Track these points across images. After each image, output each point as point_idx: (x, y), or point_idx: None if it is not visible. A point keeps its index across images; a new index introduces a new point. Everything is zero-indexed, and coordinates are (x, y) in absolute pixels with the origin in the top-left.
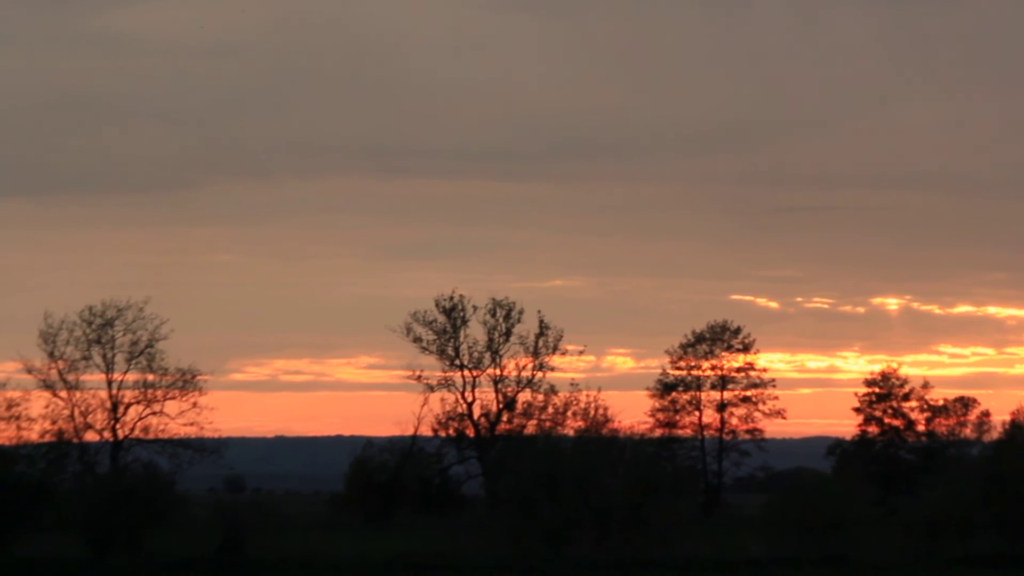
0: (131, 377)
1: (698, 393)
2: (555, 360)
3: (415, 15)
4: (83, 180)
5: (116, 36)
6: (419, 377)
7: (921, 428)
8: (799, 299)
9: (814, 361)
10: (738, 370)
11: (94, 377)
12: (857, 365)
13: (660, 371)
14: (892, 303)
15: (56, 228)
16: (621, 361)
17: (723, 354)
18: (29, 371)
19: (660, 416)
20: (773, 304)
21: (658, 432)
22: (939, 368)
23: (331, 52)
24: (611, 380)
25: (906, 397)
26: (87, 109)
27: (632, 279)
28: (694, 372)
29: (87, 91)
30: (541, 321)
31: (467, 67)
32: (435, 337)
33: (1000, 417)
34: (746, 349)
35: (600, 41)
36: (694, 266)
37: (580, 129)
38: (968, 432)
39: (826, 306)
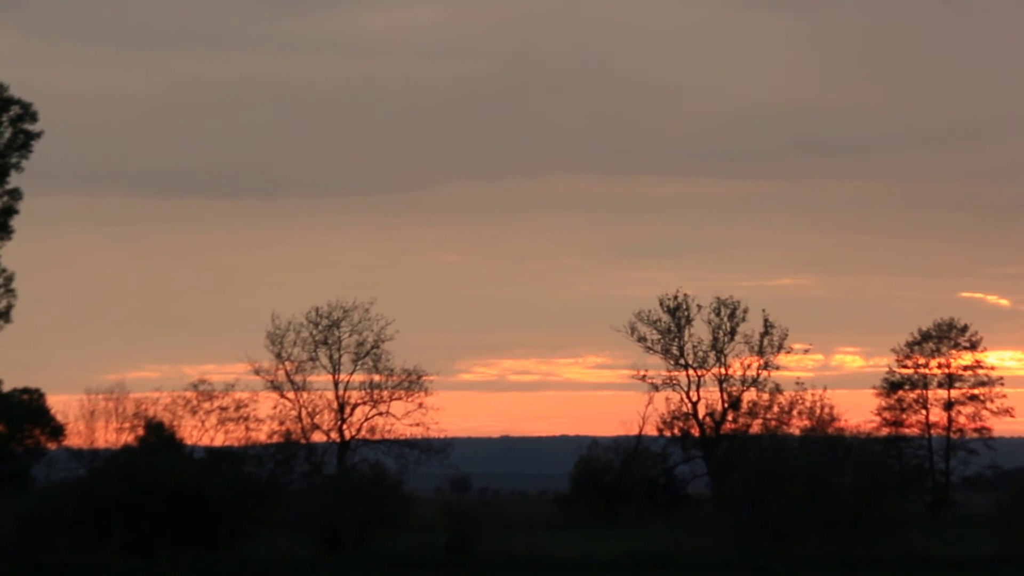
0: (357, 378)
1: (925, 391)
2: (782, 359)
3: (648, 12)
4: (310, 181)
5: (342, 38)
6: (644, 377)
7: None
8: None
9: None
10: (965, 368)
11: (321, 378)
12: None
13: (887, 369)
14: None
15: (283, 229)
16: (850, 359)
17: (950, 352)
18: (257, 372)
19: (887, 415)
20: (1004, 301)
21: (885, 431)
22: None
23: (559, 51)
24: (840, 379)
25: None
26: (314, 110)
27: (862, 276)
28: (921, 370)
29: (314, 93)
30: (766, 320)
31: (698, 64)
32: (659, 336)
33: None
34: (973, 347)
35: (832, 38)
36: (925, 263)
37: (810, 126)
38: None
39: None
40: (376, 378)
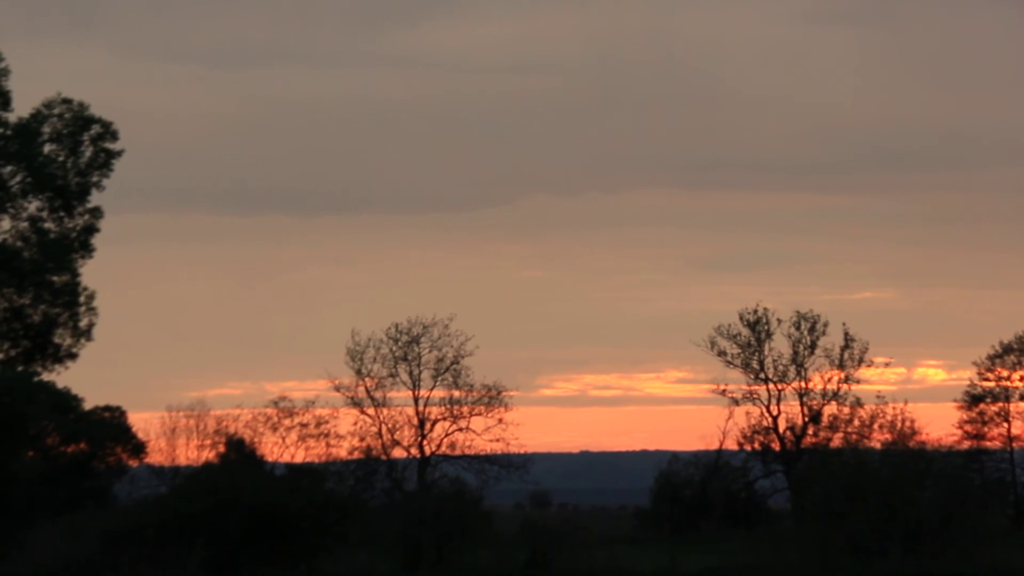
0: (437, 394)
1: (1007, 404)
2: (863, 372)
3: (727, 27)
4: (391, 198)
5: (423, 55)
6: (724, 391)
7: None
8: None
9: None
10: None
11: (401, 394)
12: None
13: (969, 382)
14: None
15: (364, 246)
16: (933, 373)
17: None
18: (337, 389)
19: (968, 428)
20: None
21: (966, 444)
22: None
23: (638, 66)
24: (923, 392)
25: None
26: (395, 127)
27: (943, 289)
28: (1003, 383)
29: (395, 110)
30: (846, 333)
31: (778, 78)
32: (740, 351)
33: None
34: None
35: (912, 50)
36: (1006, 275)
37: (891, 139)
38: None
39: None
40: (456, 394)
